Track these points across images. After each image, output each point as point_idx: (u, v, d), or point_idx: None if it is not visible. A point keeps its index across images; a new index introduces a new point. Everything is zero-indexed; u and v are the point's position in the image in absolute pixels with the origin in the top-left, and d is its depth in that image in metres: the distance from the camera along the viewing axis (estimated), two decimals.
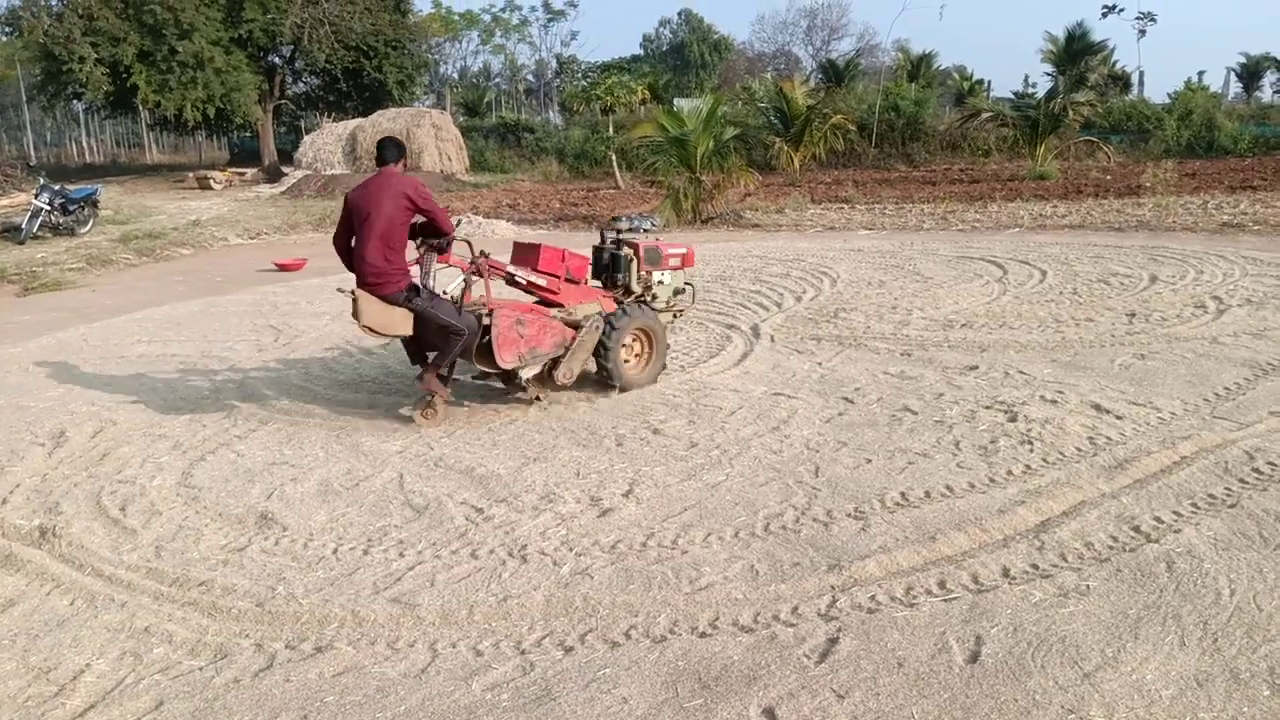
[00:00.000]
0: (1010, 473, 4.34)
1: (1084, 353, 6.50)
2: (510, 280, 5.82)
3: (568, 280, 5.94)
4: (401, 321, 5.25)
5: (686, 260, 6.65)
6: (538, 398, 5.73)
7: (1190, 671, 2.76)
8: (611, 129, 29.50)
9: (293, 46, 32.29)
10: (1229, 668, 2.77)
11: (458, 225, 5.56)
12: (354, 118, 31.66)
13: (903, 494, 4.15)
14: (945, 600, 3.24)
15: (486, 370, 5.55)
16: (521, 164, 31.30)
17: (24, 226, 15.22)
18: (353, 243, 5.23)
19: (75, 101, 33.57)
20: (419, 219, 5.26)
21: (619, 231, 6.45)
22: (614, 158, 25.11)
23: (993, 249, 11.47)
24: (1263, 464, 4.30)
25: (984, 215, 15.34)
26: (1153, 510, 3.87)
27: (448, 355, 5.35)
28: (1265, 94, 46.96)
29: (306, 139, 30.18)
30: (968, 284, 9.23)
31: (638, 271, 6.30)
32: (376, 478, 4.65)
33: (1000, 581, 3.35)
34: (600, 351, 5.77)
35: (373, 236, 5.05)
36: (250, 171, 31.02)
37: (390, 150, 5.30)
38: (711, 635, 3.10)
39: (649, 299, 6.37)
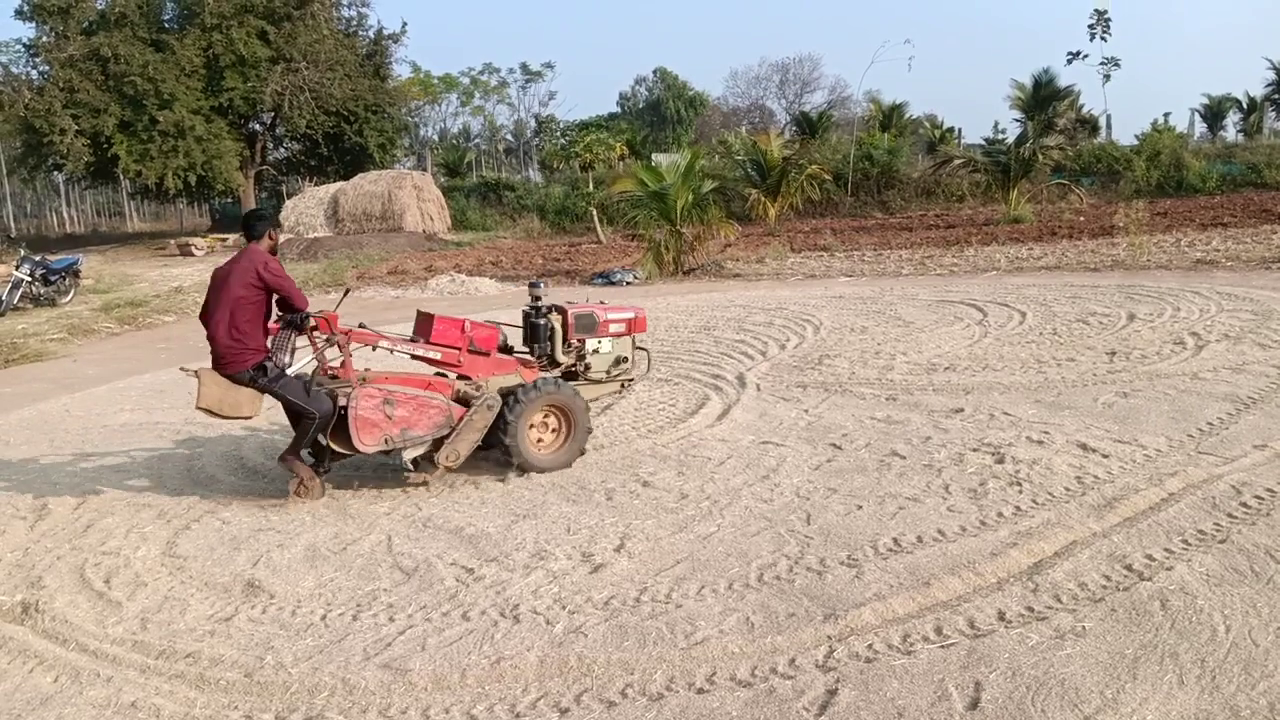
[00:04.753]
0: (1001, 515, 4.34)
1: (1067, 392, 6.54)
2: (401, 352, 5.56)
3: (473, 351, 5.54)
4: (248, 403, 5.05)
5: (635, 326, 6.12)
6: (425, 481, 5.30)
7: (1190, 711, 2.74)
8: (591, 185, 29.85)
9: (273, 113, 32.63)
10: (1229, 705, 2.76)
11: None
12: (335, 181, 31.97)
13: (895, 539, 4.14)
14: (943, 647, 3.22)
15: (341, 451, 5.06)
16: (503, 221, 31.59)
17: (4, 298, 15.19)
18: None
19: (56, 173, 33.74)
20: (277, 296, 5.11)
21: (537, 298, 6.01)
22: (595, 213, 25.38)
23: (971, 292, 11.60)
24: (1250, 498, 4.33)
25: (961, 259, 15.54)
26: (1144, 548, 3.88)
27: (302, 437, 5.13)
28: (1229, 133, 48.09)
29: (288, 203, 30.41)
30: (949, 327, 9.31)
31: (564, 340, 5.88)
32: (364, 540, 4.61)
33: (996, 625, 3.33)
34: (501, 427, 5.28)
35: (220, 312, 4.98)
36: (233, 237, 31.06)
37: (255, 226, 5.22)
38: (709, 691, 3.06)
39: (582, 369, 5.96)
